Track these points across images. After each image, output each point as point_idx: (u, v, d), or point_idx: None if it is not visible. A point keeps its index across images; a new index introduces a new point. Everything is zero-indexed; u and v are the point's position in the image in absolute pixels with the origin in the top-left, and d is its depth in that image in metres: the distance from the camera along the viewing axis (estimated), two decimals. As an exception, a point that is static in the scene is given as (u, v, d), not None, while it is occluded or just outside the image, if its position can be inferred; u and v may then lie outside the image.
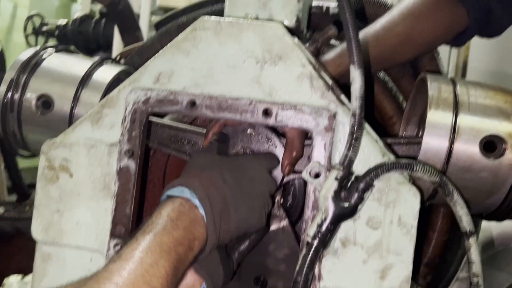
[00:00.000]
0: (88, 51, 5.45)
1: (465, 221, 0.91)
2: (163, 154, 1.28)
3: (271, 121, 0.91)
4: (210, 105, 0.93)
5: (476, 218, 1.34)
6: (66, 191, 0.96)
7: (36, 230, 0.97)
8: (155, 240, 0.76)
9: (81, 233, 0.96)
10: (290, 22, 1.07)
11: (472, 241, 0.92)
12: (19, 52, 1.31)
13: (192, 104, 0.94)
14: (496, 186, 0.98)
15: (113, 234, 0.95)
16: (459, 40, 1.26)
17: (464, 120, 0.97)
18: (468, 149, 0.96)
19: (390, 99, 1.46)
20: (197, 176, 0.90)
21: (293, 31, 1.08)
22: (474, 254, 0.92)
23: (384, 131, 1.44)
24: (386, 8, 1.39)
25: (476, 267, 0.93)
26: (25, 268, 1.04)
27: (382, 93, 1.44)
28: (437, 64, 1.42)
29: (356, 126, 0.84)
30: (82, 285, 0.70)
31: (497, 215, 1.04)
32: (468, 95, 1.00)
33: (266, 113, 0.92)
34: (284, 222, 1.18)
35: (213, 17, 0.95)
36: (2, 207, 3.23)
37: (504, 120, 0.97)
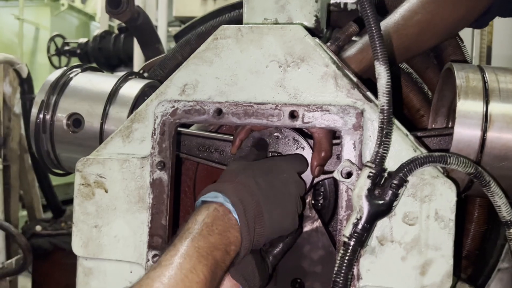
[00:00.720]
0: (110, 67, 5.56)
1: (505, 211, 0.88)
2: (192, 163, 1.29)
3: (298, 123, 0.91)
4: (236, 112, 0.94)
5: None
6: (103, 206, 0.99)
7: (77, 246, 1.00)
8: (192, 246, 0.78)
9: (119, 247, 0.98)
10: (310, 22, 1.07)
11: (513, 231, 0.89)
12: (44, 73, 1.36)
13: (219, 112, 0.94)
14: (534, 172, 0.95)
15: (150, 246, 0.96)
16: (481, 21, 1.23)
17: (496, 107, 0.95)
18: (502, 137, 0.94)
19: (416, 91, 1.43)
20: (230, 181, 0.91)
21: (313, 32, 1.08)
22: (517, 244, 0.90)
23: (412, 125, 1.42)
24: None
25: (520, 257, 0.90)
26: (63, 283, 1.07)
27: (407, 86, 1.42)
28: (462, 53, 1.39)
29: (385, 122, 0.83)
30: None
31: (537, 202, 1.01)
32: (498, 82, 0.98)
33: (293, 115, 0.92)
34: (317, 223, 1.18)
35: (233, 25, 0.95)
36: (39, 225, 3.32)
37: (538, 104, 0.95)
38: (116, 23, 6.84)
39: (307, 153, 1.08)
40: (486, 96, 0.96)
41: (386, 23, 1.17)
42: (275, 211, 0.92)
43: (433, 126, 1.24)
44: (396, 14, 1.17)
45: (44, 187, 3.71)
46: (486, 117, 0.94)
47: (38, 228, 3.31)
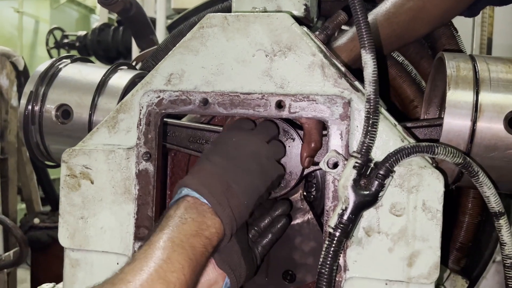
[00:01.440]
0: (109, 60, 5.55)
1: (494, 202, 0.87)
2: (183, 155, 1.28)
3: (284, 113, 0.90)
4: (222, 102, 0.92)
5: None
6: (89, 198, 0.98)
7: (63, 238, 0.99)
8: (166, 237, 0.77)
9: (106, 238, 0.97)
10: (299, 11, 1.05)
11: (502, 221, 0.88)
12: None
13: (205, 102, 0.93)
14: (525, 163, 0.94)
15: (137, 237, 0.96)
16: (473, 10, 1.22)
17: (486, 97, 0.94)
18: (492, 127, 0.93)
19: (409, 82, 1.42)
20: (190, 173, 0.91)
21: (302, 21, 1.06)
22: (506, 235, 0.89)
23: (405, 116, 1.40)
24: None
25: (509, 249, 0.89)
26: (62, 275, 1.07)
27: (400, 77, 1.40)
28: (456, 42, 1.37)
29: (371, 112, 0.82)
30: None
31: (529, 193, 1.00)
32: (489, 71, 0.97)
33: (279, 105, 0.91)
34: (309, 215, 1.17)
35: (219, 13, 0.94)
36: (37, 217, 3.33)
37: (529, 94, 0.93)
38: (115, 16, 6.81)
39: (297, 144, 1.07)
40: (477, 86, 0.94)
41: (377, 12, 1.16)
42: (240, 177, 0.90)
43: (425, 116, 1.23)
44: (387, 2, 1.16)
45: (42, 180, 3.72)
46: (476, 107, 0.93)
47: (37, 221, 3.32)
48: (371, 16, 1.15)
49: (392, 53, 1.42)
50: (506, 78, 0.95)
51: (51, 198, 3.73)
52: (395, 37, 1.15)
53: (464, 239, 1.39)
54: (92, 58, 5.46)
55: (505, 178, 0.97)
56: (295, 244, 1.17)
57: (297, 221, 1.19)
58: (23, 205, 4.01)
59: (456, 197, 1.40)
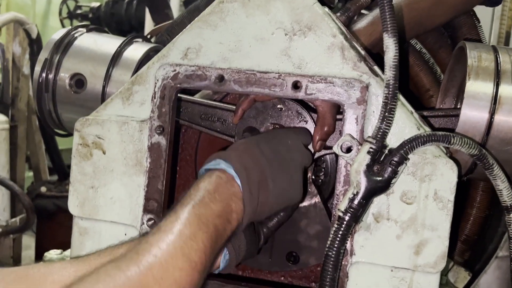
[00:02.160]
0: (121, 33, 5.51)
1: (506, 195, 0.86)
2: (194, 132, 1.28)
3: (300, 94, 0.89)
4: (238, 80, 0.92)
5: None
6: (100, 168, 0.98)
7: (73, 206, 1.00)
8: (193, 212, 0.75)
9: (115, 208, 0.98)
10: (321, -9, 1.03)
11: (513, 216, 0.88)
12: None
13: (221, 78, 0.92)
14: (540, 159, 0.93)
15: (146, 209, 0.96)
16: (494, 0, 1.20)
17: (507, 89, 0.92)
18: (510, 120, 0.92)
19: (426, 70, 1.40)
20: (234, 149, 0.88)
21: (323, 1, 1.05)
22: (516, 230, 0.88)
23: (420, 105, 1.39)
24: None
25: (517, 243, 0.89)
26: (67, 243, 1.08)
27: (418, 65, 1.38)
28: (477, 33, 1.35)
29: (390, 97, 0.81)
30: (123, 257, 0.70)
31: (541, 189, 0.99)
32: (511, 63, 0.95)
33: (296, 86, 0.90)
34: (316, 199, 1.17)
35: (240, -11, 0.93)
36: (44, 186, 3.36)
37: (550, 88, 0.91)
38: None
39: (310, 127, 1.07)
40: (498, 78, 0.93)
41: None
42: (280, 179, 0.89)
43: (441, 106, 1.21)
44: None
45: (50, 149, 3.75)
46: (495, 99, 0.92)
47: (43, 189, 3.36)
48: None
49: (410, 41, 1.40)
50: (528, 71, 0.93)
51: (59, 168, 3.76)
52: (414, 23, 1.14)
53: (470, 231, 1.39)
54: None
55: (519, 172, 0.96)
56: (301, 227, 1.17)
57: (304, 204, 1.19)
58: (31, 173, 4.05)
59: (465, 189, 1.40)
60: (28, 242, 3.80)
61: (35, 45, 3.24)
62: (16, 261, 3.18)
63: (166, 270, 0.67)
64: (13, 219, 2.80)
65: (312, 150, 1.05)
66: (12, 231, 2.78)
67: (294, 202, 0.96)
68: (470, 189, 1.37)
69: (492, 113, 0.92)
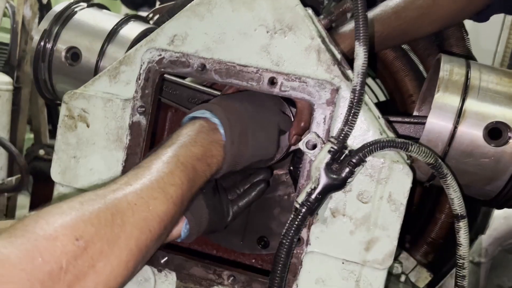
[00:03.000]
0: (134, 5, 5.53)
1: (457, 204, 0.92)
2: (184, 114, 1.34)
3: (275, 90, 0.94)
4: (219, 70, 0.97)
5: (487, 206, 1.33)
6: (83, 140, 1.04)
7: (55, 173, 1.06)
8: (172, 153, 0.81)
9: (94, 179, 1.04)
10: (310, -8, 1.08)
11: (462, 224, 0.93)
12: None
13: (203, 67, 0.97)
14: (496, 173, 0.98)
15: (122, 183, 1.02)
16: (482, 15, 1.24)
17: (472, 104, 0.97)
18: (471, 133, 0.96)
19: (411, 76, 1.44)
20: (218, 102, 0.95)
21: (311, 1, 1.09)
22: (463, 237, 0.94)
23: (398, 109, 1.44)
24: None
25: (464, 250, 0.95)
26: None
27: (403, 70, 1.42)
28: (465, 45, 1.39)
29: (355, 102, 0.86)
30: (102, 187, 0.74)
31: (496, 202, 1.04)
32: (480, 80, 0.99)
33: (272, 82, 0.94)
34: (290, 189, 1.23)
35: (229, -16, 0.97)
36: (42, 149, 3.43)
37: (513, 108, 0.96)
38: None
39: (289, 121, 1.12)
40: (465, 92, 0.97)
41: (387, 3, 1.17)
42: (259, 134, 0.96)
43: (418, 113, 1.26)
44: None
45: (52, 114, 3.81)
46: (460, 112, 0.96)
47: (42, 152, 3.42)
48: (381, 7, 1.17)
49: (401, 46, 1.44)
50: (494, 89, 0.98)
51: (59, 133, 3.83)
52: (400, 31, 1.17)
53: (436, 235, 1.44)
54: (117, 2, 5.46)
55: (476, 184, 1.01)
56: (274, 214, 1.24)
57: (279, 193, 1.25)
58: (31, 135, 4.13)
59: (436, 194, 1.45)
60: (23, 202, 3.89)
61: (45, 10, 3.28)
62: (9, 219, 3.28)
63: (140, 197, 0.72)
64: (9, 179, 2.88)
65: (287, 143, 1.10)
66: (7, 190, 2.86)
67: (269, 157, 1.02)
68: (441, 195, 1.43)
69: (455, 125, 0.96)
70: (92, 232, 0.64)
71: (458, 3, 1.16)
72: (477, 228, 1.70)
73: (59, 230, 0.61)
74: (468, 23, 1.37)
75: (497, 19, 1.43)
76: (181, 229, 0.93)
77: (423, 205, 1.47)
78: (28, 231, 0.60)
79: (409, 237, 1.51)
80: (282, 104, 1.09)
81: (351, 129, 0.87)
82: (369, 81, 1.97)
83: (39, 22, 3.39)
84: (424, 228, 1.46)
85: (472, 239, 1.64)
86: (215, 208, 0.99)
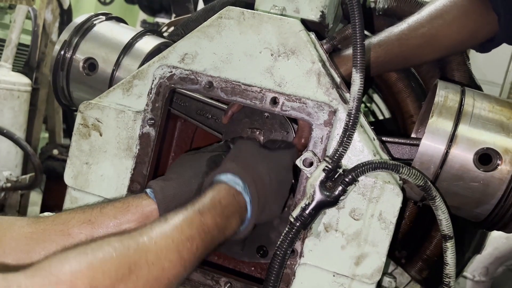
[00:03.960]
0: (152, 11, 5.65)
1: (445, 225, 0.97)
2: (192, 125, 1.40)
3: (277, 109, 1.00)
4: (225, 88, 1.03)
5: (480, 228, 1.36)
6: (96, 147, 1.11)
7: (68, 177, 1.13)
8: (199, 218, 0.84)
9: (104, 185, 1.10)
10: (315, 16, 1.13)
11: (449, 244, 0.98)
12: (89, 9, 1.46)
13: (210, 85, 1.04)
14: (485, 197, 1.02)
15: (130, 189, 1.09)
16: (485, 46, 1.27)
17: (464, 130, 1.01)
18: (462, 158, 1.01)
19: (413, 98, 1.49)
20: (249, 170, 0.97)
21: (317, 25, 1.15)
22: (450, 256, 0.99)
23: (399, 128, 1.48)
24: (419, 5, 1.40)
25: (450, 269, 0.99)
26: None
27: (405, 92, 1.47)
28: (466, 69, 1.43)
29: (350, 125, 0.91)
30: (128, 233, 0.77)
31: (486, 224, 1.08)
32: (473, 107, 1.04)
33: (274, 101, 1.01)
34: (290, 201, 1.28)
35: (237, 8, 1.03)
36: (56, 149, 3.53)
37: (503, 135, 1.00)
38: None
39: (290, 137, 1.18)
40: (458, 118, 1.02)
41: (392, 30, 1.22)
42: (273, 206, 1.02)
43: (416, 134, 1.31)
44: (404, 23, 1.21)
45: (67, 115, 3.92)
46: (452, 137, 1.01)
47: (55, 152, 3.53)
48: (385, 33, 1.21)
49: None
50: (486, 116, 1.02)
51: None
52: (402, 57, 1.21)
53: (431, 253, 1.48)
54: (135, 7, 5.57)
55: (466, 206, 1.06)
56: (273, 224, 1.29)
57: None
58: (46, 135, 4.24)
59: (433, 213, 1.49)
60: (36, 199, 4.00)
61: (65, 15, 3.39)
62: (21, 215, 3.38)
63: (158, 258, 0.76)
64: (23, 176, 2.98)
65: None
66: (21, 187, 2.96)
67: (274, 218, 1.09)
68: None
69: (447, 149, 1.01)
70: (107, 284, 0.68)
71: (462, 34, 1.19)
72: (474, 247, 1.73)
73: (79, 277, 0.65)
74: (477, 55, 1.40)
75: (506, 51, 1.46)
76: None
77: (420, 222, 1.51)
78: (51, 273, 0.64)
79: (406, 253, 1.55)
80: (296, 154, 1.12)
81: (345, 150, 0.92)
82: (375, 96, 2.02)
83: (59, 26, 3.51)
84: (420, 245, 1.50)
85: (469, 258, 1.67)
86: None
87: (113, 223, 0.91)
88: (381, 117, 2.60)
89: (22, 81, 3.10)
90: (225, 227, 0.89)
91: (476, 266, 2.58)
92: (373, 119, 2.55)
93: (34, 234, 0.87)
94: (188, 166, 1.07)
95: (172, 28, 1.90)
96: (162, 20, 5.65)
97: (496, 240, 2.55)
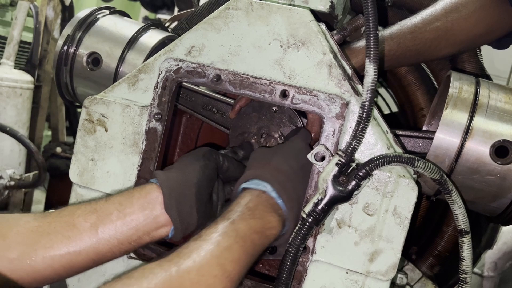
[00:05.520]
0: (154, 7, 5.62)
1: (461, 220, 0.94)
2: (198, 120, 1.38)
3: (287, 102, 0.97)
4: (233, 81, 1.00)
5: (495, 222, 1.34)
6: (101, 143, 1.08)
7: (73, 174, 1.11)
8: (232, 226, 0.82)
9: (110, 182, 1.08)
10: (324, 7, 1.10)
11: (465, 239, 0.95)
12: (90, 5, 1.43)
13: (218, 78, 1.01)
14: (502, 191, 0.99)
15: (137, 186, 1.06)
16: (502, 42, 1.23)
17: (479, 122, 0.98)
18: (478, 151, 0.98)
19: (423, 90, 1.46)
20: (266, 167, 0.95)
21: (326, 16, 1.12)
22: (466, 252, 0.96)
23: (409, 122, 1.45)
24: None
25: (466, 265, 0.97)
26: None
27: (415, 84, 1.44)
28: (477, 61, 1.40)
29: (363, 118, 0.89)
30: (166, 258, 0.77)
31: (502, 219, 1.06)
32: (488, 98, 1.01)
33: (284, 94, 0.98)
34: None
35: (246, -2, 1.00)
36: (59, 147, 3.51)
37: (520, 127, 0.97)
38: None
39: None
40: (473, 110, 0.99)
41: (405, 23, 1.18)
42: (304, 190, 0.96)
43: (428, 127, 1.28)
44: (418, 16, 1.18)
45: (70, 112, 3.90)
46: (467, 130, 0.98)
47: (59, 149, 3.51)
48: (398, 26, 1.17)
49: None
50: (503, 107, 0.99)
51: (76, 131, 3.91)
52: (415, 51, 1.17)
53: (443, 248, 1.45)
54: (137, 4, 5.54)
55: (482, 200, 1.03)
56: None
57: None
58: (49, 133, 4.22)
59: (444, 208, 1.46)
60: (39, 197, 3.98)
61: (67, 11, 3.36)
62: (25, 212, 3.36)
63: (201, 275, 0.74)
64: (27, 174, 2.96)
65: None
66: (24, 185, 2.94)
67: None
68: (448, 209, 1.44)
69: (462, 142, 0.98)
70: None
71: (478, 29, 1.15)
72: (485, 242, 1.70)
73: None
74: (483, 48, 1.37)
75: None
76: (170, 231, 0.95)
77: (431, 217, 1.48)
78: None
79: (416, 248, 1.52)
80: (308, 134, 1.10)
81: (359, 144, 0.89)
82: (382, 90, 1.99)
83: (61, 23, 3.49)
84: (431, 240, 1.48)
85: (480, 253, 1.64)
86: (205, 213, 1.00)
87: (117, 210, 0.91)
88: (386, 111, 2.57)
89: (25, 78, 3.08)
90: (263, 227, 0.86)
91: (485, 261, 2.56)
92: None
93: (40, 227, 0.87)
94: (185, 156, 1.06)
95: (175, 23, 1.87)
96: (164, 16, 5.62)
97: (505, 234, 2.53)
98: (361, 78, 0.98)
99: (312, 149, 1.02)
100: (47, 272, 0.86)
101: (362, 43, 1.19)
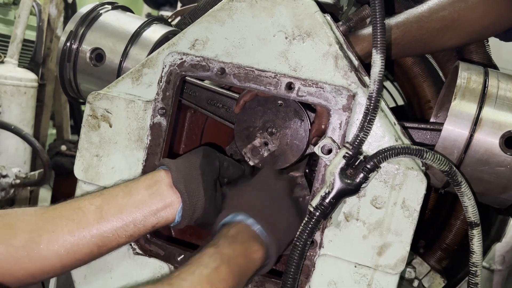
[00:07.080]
0: (156, 4, 5.61)
1: (471, 212, 0.92)
2: (202, 115, 1.37)
3: (292, 95, 0.96)
4: (238, 74, 0.99)
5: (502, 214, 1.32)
6: (106, 139, 1.08)
7: (78, 170, 1.10)
8: (217, 250, 0.86)
9: (115, 177, 1.07)
10: (330, -2, 1.09)
11: (475, 232, 0.94)
12: (93, 2, 1.42)
13: (222, 71, 1.00)
14: (512, 182, 0.98)
15: (142, 181, 1.05)
16: (509, 35, 1.21)
17: (489, 112, 0.97)
18: (487, 142, 0.97)
19: (430, 82, 1.44)
20: (240, 202, 0.99)
21: (331, 8, 1.10)
22: (476, 244, 0.95)
23: (416, 114, 1.44)
24: None
25: (477, 257, 0.95)
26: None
27: (422, 76, 1.42)
28: (485, 51, 1.38)
29: (371, 109, 0.87)
30: (160, 281, 0.80)
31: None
32: (498, 88, 0.99)
33: (289, 87, 0.96)
34: (306, 191, 1.25)
35: (250, -10, 0.99)
36: (64, 145, 3.51)
37: (530, 117, 0.96)
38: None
39: (304, 126, 1.14)
40: (482, 100, 0.98)
41: (411, 12, 1.16)
42: (282, 215, 0.99)
43: (435, 119, 1.26)
44: (425, 5, 1.16)
45: (74, 110, 3.90)
46: (476, 121, 0.97)
47: (63, 148, 3.51)
48: (404, 15, 1.15)
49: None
50: (512, 98, 0.98)
51: (80, 129, 3.91)
52: (421, 41, 1.15)
53: (451, 241, 1.44)
54: (139, 1, 5.53)
55: (491, 192, 1.01)
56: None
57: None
58: (54, 131, 4.23)
59: (452, 201, 1.45)
60: (45, 195, 3.99)
61: (70, 9, 3.36)
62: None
63: None
64: (32, 173, 2.96)
65: (305, 145, 1.12)
66: (30, 184, 2.94)
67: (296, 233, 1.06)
68: (456, 202, 1.42)
69: (471, 133, 0.97)
70: None
71: (486, 19, 1.12)
72: (493, 235, 1.69)
73: None
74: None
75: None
76: (176, 213, 0.95)
77: (439, 211, 1.47)
78: None
79: (424, 242, 1.51)
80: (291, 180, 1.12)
81: (367, 136, 0.88)
82: (387, 84, 1.97)
83: (64, 21, 3.48)
84: (439, 234, 1.46)
85: (488, 247, 1.63)
86: (211, 199, 1.00)
87: (122, 191, 0.93)
88: (392, 104, 2.56)
89: (29, 76, 3.08)
90: (246, 251, 0.89)
91: (492, 255, 2.54)
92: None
93: (45, 214, 0.89)
94: (186, 153, 1.07)
95: (178, 19, 1.86)
96: (166, 13, 5.60)
97: (513, 228, 2.50)
98: (366, 66, 0.97)
99: (283, 174, 1.07)
100: (53, 260, 0.87)
101: (366, 30, 1.17)
